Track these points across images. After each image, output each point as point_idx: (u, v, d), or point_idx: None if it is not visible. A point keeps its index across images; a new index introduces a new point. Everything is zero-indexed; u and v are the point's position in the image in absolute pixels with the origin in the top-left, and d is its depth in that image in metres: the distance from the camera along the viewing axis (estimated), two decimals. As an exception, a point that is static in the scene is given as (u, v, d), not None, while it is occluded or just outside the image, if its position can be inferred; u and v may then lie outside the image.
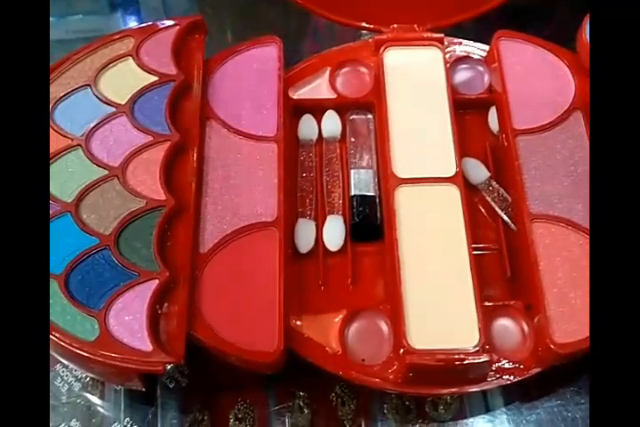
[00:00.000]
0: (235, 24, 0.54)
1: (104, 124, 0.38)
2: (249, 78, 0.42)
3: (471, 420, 0.35)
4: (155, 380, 0.35)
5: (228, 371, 0.34)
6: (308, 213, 0.39)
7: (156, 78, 0.40)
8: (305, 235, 0.38)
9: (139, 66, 0.41)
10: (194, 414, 0.35)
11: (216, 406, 0.35)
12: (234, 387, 0.36)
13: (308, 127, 0.42)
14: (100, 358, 0.30)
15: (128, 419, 0.35)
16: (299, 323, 0.35)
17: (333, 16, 0.45)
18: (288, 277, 0.35)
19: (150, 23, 0.43)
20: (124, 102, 0.39)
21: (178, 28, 0.42)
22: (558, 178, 0.37)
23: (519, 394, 0.35)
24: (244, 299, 0.33)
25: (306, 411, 0.35)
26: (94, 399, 0.36)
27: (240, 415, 0.35)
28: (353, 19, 0.45)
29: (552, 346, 0.32)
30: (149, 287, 0.32)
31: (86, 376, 0.36)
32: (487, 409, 0.35)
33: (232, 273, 0.34)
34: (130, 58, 0.41)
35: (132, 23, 0.55)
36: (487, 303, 0.35)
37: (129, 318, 0.31)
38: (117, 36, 0.42)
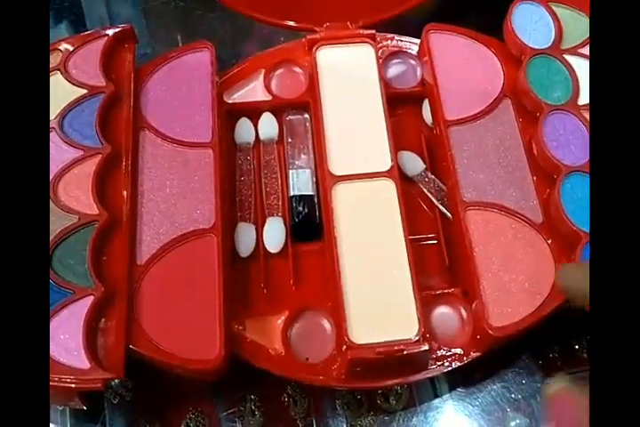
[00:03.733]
0: (177, 30, 0.54)
1: (34, 140, 0.38)
2: (182, 85, 0.41)
3: (420, 407, 0.36)
4: (99, 397, 0.35)
5: (174, 381, 0.34)
6: (248, 216, 0.39)
7: (85, 91, 0.40)
8: (245, 239, 0.38)
9: (67, 80, 0.40)
10: (143, 427, 0.35)
11: (166, 418, 0.35)
12: (182, 396, 0.36)
13: (244, 131, 0.42)
14: (37, 379, 0.30)
15: (75, 438, 0.35)
16: (241, 327, 0.35)
17: (264, 17, 0.45)
18: (229, 282, 0.35)
19: (78, 35, 0.43)
20: (53, 117, 0.38)
21: (106, 38, 0.42)
22: (490, 165, 0.37)
23: (464, 379, 0.36)
24: (184, 308, 0.33)
25: (257, 414, 0.35)
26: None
27: (192, 424, 0.35)
28: (284, 19, 0.45)
29: (489, 330, 0.32)
30: (85, 304, 0.32)
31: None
32: (435, 395, 0.36)
33: (171, 283, 0.34)
34: (58, 72, 0.41)
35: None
36: (426, 293, 0.35)
37: (65, 337, 0.31)
38: (45, 51, 0.42)
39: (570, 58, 0.40)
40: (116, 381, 0.35)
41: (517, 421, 0.35)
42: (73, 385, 0.30)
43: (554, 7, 0.41)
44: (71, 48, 0.42)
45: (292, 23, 0.45)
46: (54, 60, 0.41)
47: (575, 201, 0.35)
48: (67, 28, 0.56)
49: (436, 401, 0.36)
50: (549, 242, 0.35)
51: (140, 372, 0.32)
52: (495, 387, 0.36)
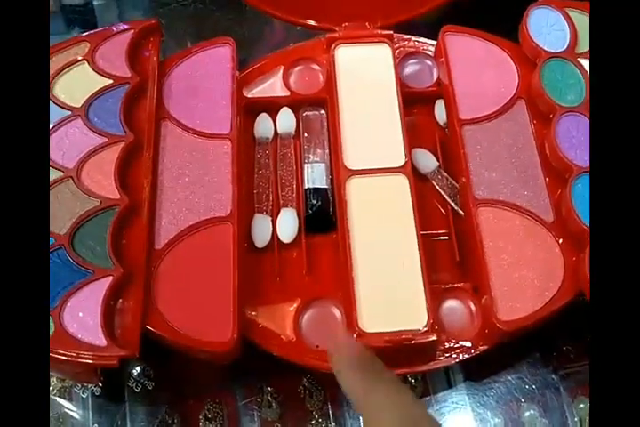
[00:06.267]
0: (192, 33, 0.55)
1: (60, 127, 0.39)
2: (203, 78, 0.43)
3: (435, 398, 0.36)
4: (122, 384, 0.36)
5: (194, 371, 0.35)
6: (265, 208, 0.40)
7: (110, 81, 0.41)
8: (261, 229, 0.39)
9: (94, 69, 0.41)
10: (162, 416, 0.36)
11: (185, 408, 0.36)
12: (201, 387, 0.37)
13: (263, 126, 0.43)
14: (55, 355, 0.31)
15: (97, 425, 0.36)
16: (254, 314, 0.36)
17: (285, 16, 0.46)
18: (244, 270, 0.36)
19: (106, 28, 0.44)
20: (79, 106, 0.40)
21: (132, 31, 0.43)
22: (502, 164, 0.38)
23: (478, 370, 0.37)
24: (200, 292, 0.34)
25: (274, 405, 0.36)
26: (65, 404, 0.37)
27: (210, 415, 0.36)
28: (305, 18, 0.46)
29: (497, 324, 0.33)
30: (104, 284, 0.33)
31: (55, 381, 0.37)
32: (450, 386, 0.37)
33: (187, 267, 0.35)
34: (85, 62, 0.42)
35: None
36: (436, 287, 0.36)
37: (83, 315, 0.32)
38: (73, 42, 0.43)
39: (584, 62, 0.40)
40: (138, 369, 0.36)
41: (531, 411, 0.36)
42: (90, 361, 0.31)
43: (569, 12, 0.42)
44: (98, 40, 0.43)
45: (312, 22, 0.46)
46: (82, 50, 0.42)
47: (586, 201, 0.35)
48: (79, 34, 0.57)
49: (451, 392, 0.36)
50: (560, 241, 0.36)
51: (161, 360, 0.33)
52: (509, 378, 0.37)
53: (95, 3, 0.55)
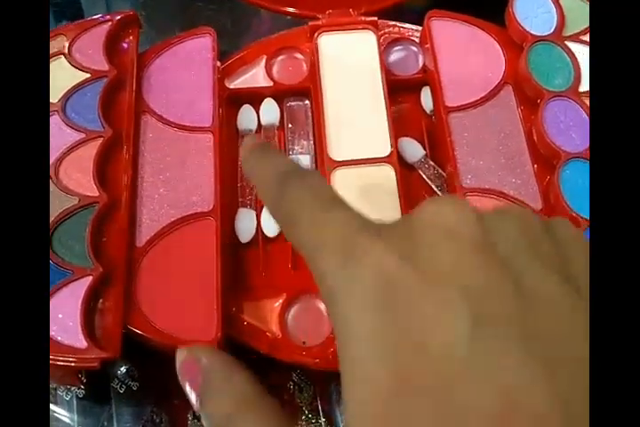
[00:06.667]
0: (179, 26, 0.54)
1: (36, 124, 0.38)
2: (183, 70, 0.42)
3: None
4: (106, 385, 0.35)
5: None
6: (248, 202, 0.39)
7: (88, 75, 0.40)
8: (245, 224, 0.38)
9: (71, 63, 0.40)
10: (148, 416, 0.35)
11: (171, 407, 0.35)
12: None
13: (246, 118, 0.42)
14: (35, 357, 0.30)
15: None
16: (239, 310, 0.35)
17: (267, 4, 0.45)
18: (228, 266, 0.35)
19: (82, 20, 0.43)
20: (56, 101, 0.39)
21: (110, 23, 0.42)
22: (490, 152, 0.37)
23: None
24: (182, 289, 0.34)
25: (264, 402, 0.36)
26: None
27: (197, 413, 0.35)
28: (287, 5, 0.45)
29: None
30: (83, 284, 0.32)
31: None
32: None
33: (169, 265, 0.34)
34: (62, 56, 0.41)
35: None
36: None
37: (63, 317, 0.31)
38: (49, 35, 0.42)
39: (572, 45, 0.39)
40: (122, 370, 0.35)
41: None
42: (70, 364, 0.30)
43: (557, -6, 0.41)
44: (75, 33, 0.42)
45: (294, 10, 0.45)
46: (59, 44, 0.41)
47: (574, 187, 0.35)
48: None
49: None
50: (548, 228, 0.35)
51: (146, 361, 0.32)
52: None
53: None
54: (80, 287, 0.32)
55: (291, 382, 0.36)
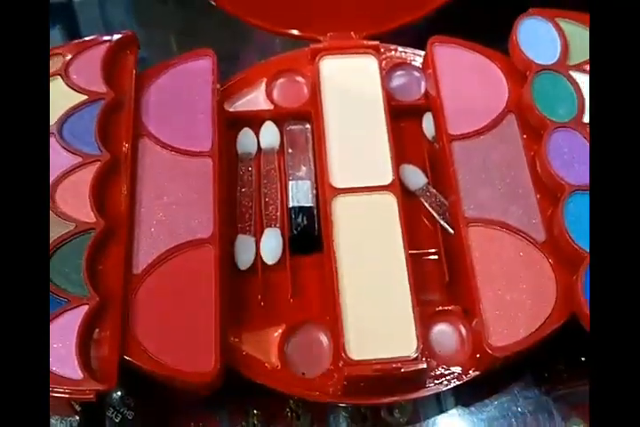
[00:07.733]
0: (173, 36, 0.53)
1: (32, 146, 0.37)
2: (183, 93, 0.41)
3: (426, 422, 0.35)
4: (101, 414, 0.34)
5: (175, 398, 0.34)
6: (248, 228, 0.38)
7: (85, 97, 0.39)
8: (244, 251, 0.37)
9: (67, 85, 0.40)
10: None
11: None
12: (184, 413, 0.35)
13: (246, 141, 0.42)
14: (28, 389, 0.29)
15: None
16: (238, 340, 0.34)
17: (268, 26, 0.45)
18: (227, 294, 0.35)
19: (80, 40, 0.43)
20: (52, 123, 0.38)
21: (108, 44, 0.42)
22: (492, 182, 0.37)
23: (469, 393, 0.35)
24: (180, 319, 0.33)
25: (260, 428, 0.35)
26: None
27: (194, 441, 0.35)
28: (288, 27, 0.45)
29: (489, 350, 0.32)
30: (79, 313, 0.31)
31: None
32: (441, 410, 0.35)
33: (167, 293, 0.34)
34: (58, 77, 0.40)
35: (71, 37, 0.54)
36: (425, 309, 0.35)
37: (58, 347, 0.30)
38: (47, 55, 0.41)
39: (576, 74, 0.39)
40: (117, 398, 0.34)
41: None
42: (65, 395, 0.29)
43: (560, 23, 0.41)
44: (73, 53, 0.41)
45: (295, 32, 0.44)
46: (55, 64, 0.41)
47: (578, 220, 0.34)
48: (60, 31, 0.55)
49: (442, 415, 0.35)
50: (551, 261, 0.35)
51: (141, 389, 0.31)
52: (501, 401, 0.35)
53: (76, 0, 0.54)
54: (76, 317, 0.31)
55: (288, 409, 0.36)
